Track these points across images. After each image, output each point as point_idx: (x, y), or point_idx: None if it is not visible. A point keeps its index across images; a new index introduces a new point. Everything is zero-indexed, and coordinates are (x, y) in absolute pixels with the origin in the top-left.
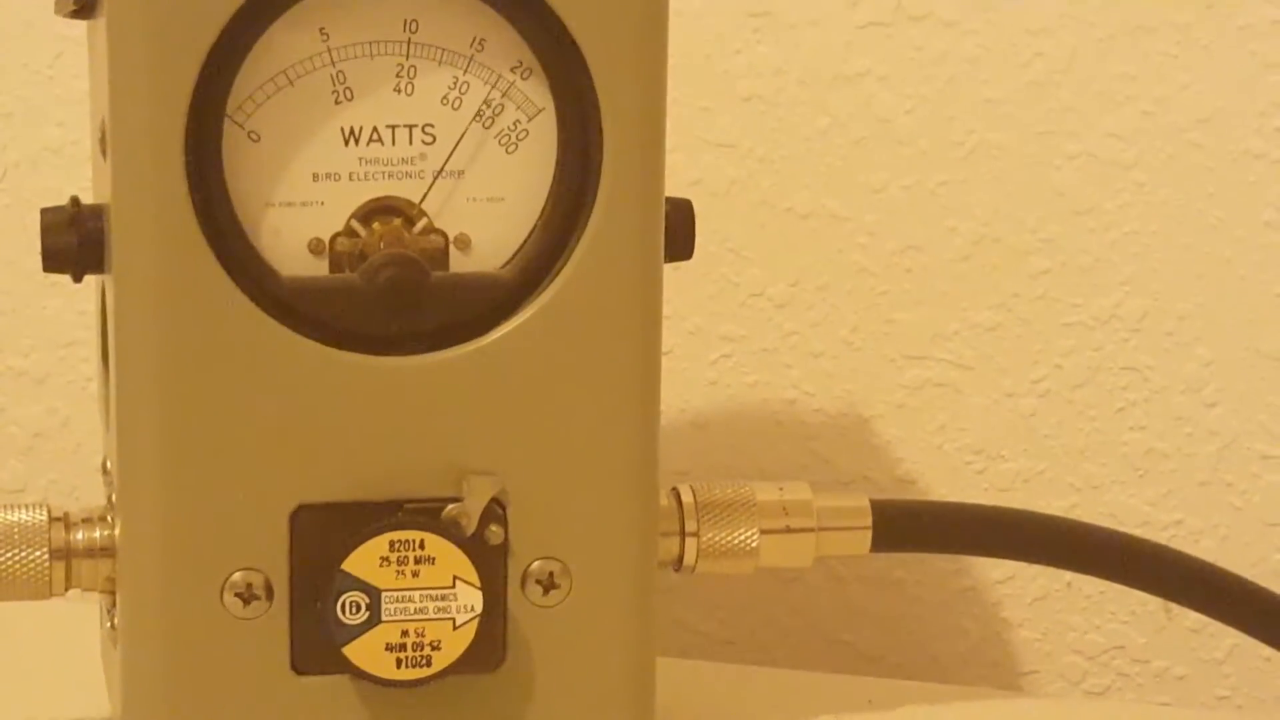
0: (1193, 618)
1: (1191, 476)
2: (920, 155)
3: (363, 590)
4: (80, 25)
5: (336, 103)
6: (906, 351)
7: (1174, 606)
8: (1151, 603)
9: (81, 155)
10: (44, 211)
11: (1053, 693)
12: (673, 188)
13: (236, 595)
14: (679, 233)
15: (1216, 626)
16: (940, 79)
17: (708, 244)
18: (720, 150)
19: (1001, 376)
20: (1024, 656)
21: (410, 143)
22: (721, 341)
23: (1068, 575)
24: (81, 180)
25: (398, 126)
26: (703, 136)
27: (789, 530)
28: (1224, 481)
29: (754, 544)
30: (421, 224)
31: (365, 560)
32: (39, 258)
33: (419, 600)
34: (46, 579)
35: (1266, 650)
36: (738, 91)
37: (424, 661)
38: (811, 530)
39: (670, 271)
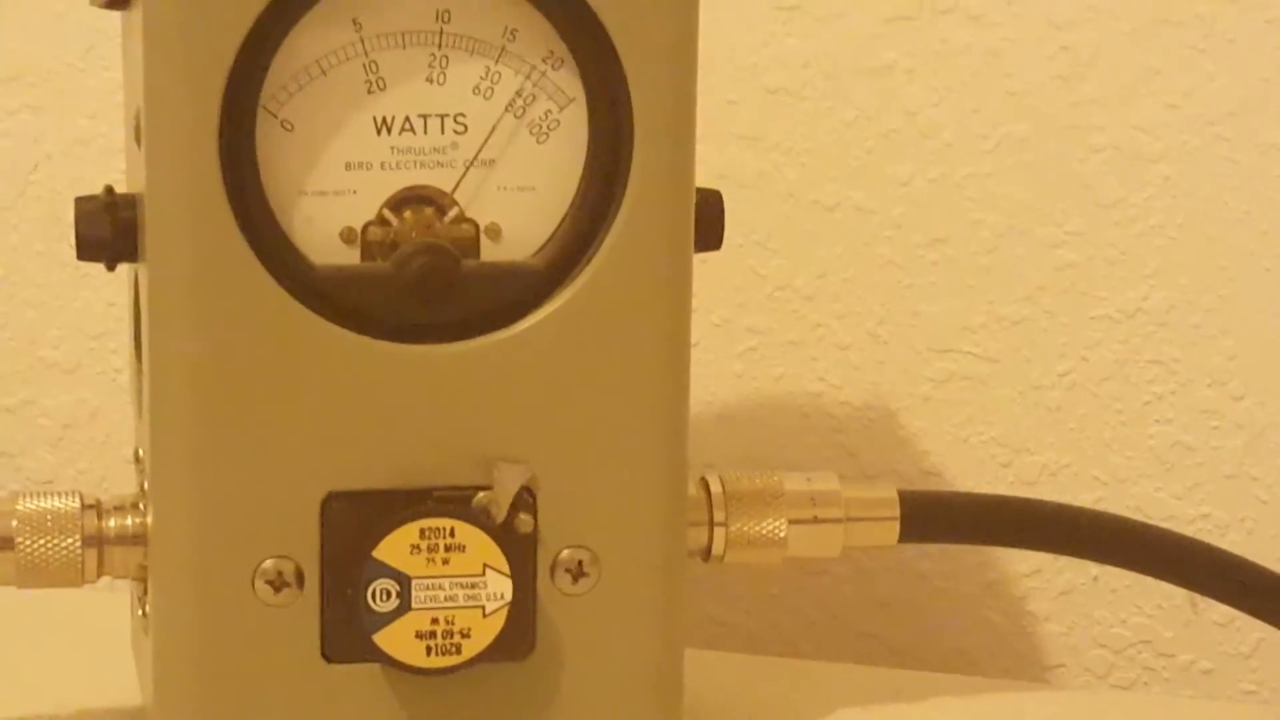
0: (1219, 612)
1: (1218, 469)
2: (946, 148)
3: (393, 578)
4: (112, 17)
5: (369, 92)
6: (933, 344)
7: (1200, 601)
8: (1178, 596)
9: (112, 148)
10: (78, 200)
11: (1079, 686)
12: (699, 180)
13: (267, 583)
14: (708, 223)
15: (1243, 621)
16: (966, 72)
17: (734, 236)
18: (747, 143)
19: (1028, 369)
20: (1050, 650)
21: (442, 132)
22: (748, 334)
23: (1094, 569)
24: (112, 173)
25: (430, 116)
26: (729, 129)
27: (817, 520)
28: (1250, 475)
29: (782, 534)
30: (453, 213)
31: (396, 548)
32: (70, 249)
33: (449, 588)
34: (79, 566)
35: None
36: (764, 84)
37: (454, 649)
38: (840, 520)
39: (697, 264)
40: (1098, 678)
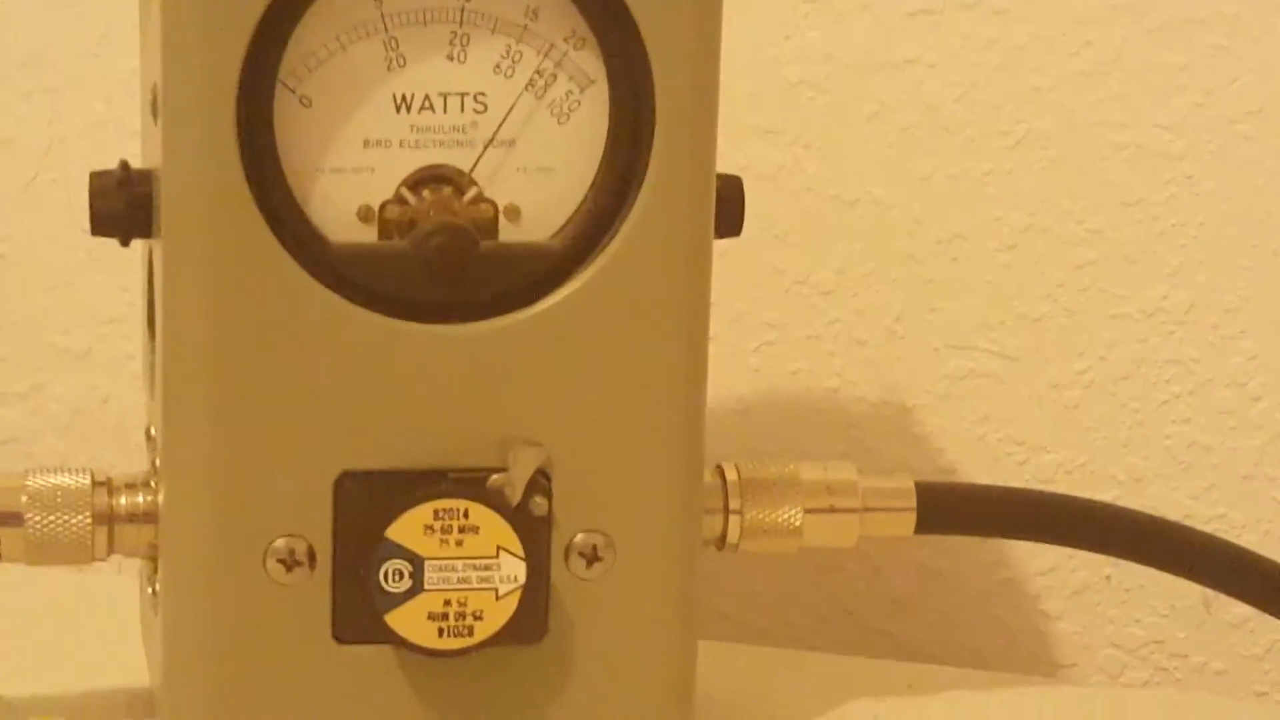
0: (1233, 613)
1: (1235, 470)
2: (968, 143)
3: (406, 558)
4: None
5: (389, 69)
6: (951, 341)
7: (1214, 601)
8: (1192, 597)
9: (127, 132)
10: (93, 175)
11: (1091, 685)
12: (718, 169)
13: (279, 561)
14: (729, 209)
15: (1257, 621)
16: (989, 67)
17: (752, 230)
18: (767, 136)
19: (1046, 367)
20: (1063, 649)
21: (462, 111)
22: (765, 328)
23: (1108, 568)
24: (128, 157)
25: (449, 94)
26: (749, 122)
27: (833, 510)
28: (1267, 476)
29: (797, 523)
30: (471, 193)
31: (409, 528)
32: (82, 234)
33: (462, 570)
34: (89, 543)
35: None
36: (785, 77)
37: (466, 631)
38: (855, 510)
39: (715, 258)
40: (1110, 677)
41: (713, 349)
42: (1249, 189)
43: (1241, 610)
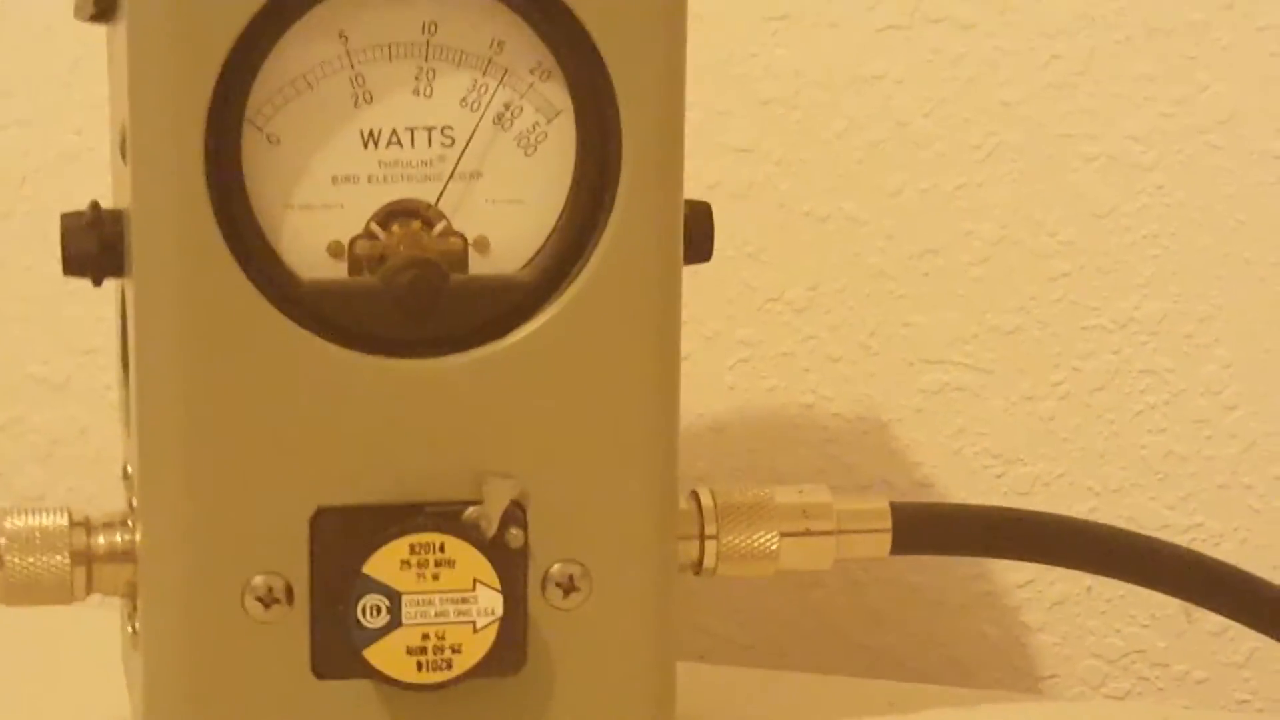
0: (1213, 621)
1: (1211, 479)
2: (938, 158)
3: (383, 593)
4: (99, 30)
5: (356, 105)
6: (924, 355)
7: (1194, 610)
8: (1171, 606)
9: (100, 162)
10: (64, 216)
11: (1073, 697)
12: (690, 191)
13: (257, 599)
14: (698, 235)
15: (1237, 630)
16: (958, 81)
17: (725, 248)
18: (738, 154)
19: (1020, 380)
20: (1044, 660)
21: (430, 145)
22: (739, 346)
23: (1087, 579)
24: (100, 187)
25: (417, 129)
26: (720, 140)
27: (809, 533)
28: (1244, 484)
29: (774, 546)
30: (440, 226)
31: (386, 563)
32: (58, 264)
33: (439, 603)
34: (68, 583)
35: None
36: (756, 94)
37: (445, 665)
38: (831, 533)
39: (688, 276)
40: (1092, 688)
41: (688, 368)
42: (1220, 198)
43: (1222, 619)
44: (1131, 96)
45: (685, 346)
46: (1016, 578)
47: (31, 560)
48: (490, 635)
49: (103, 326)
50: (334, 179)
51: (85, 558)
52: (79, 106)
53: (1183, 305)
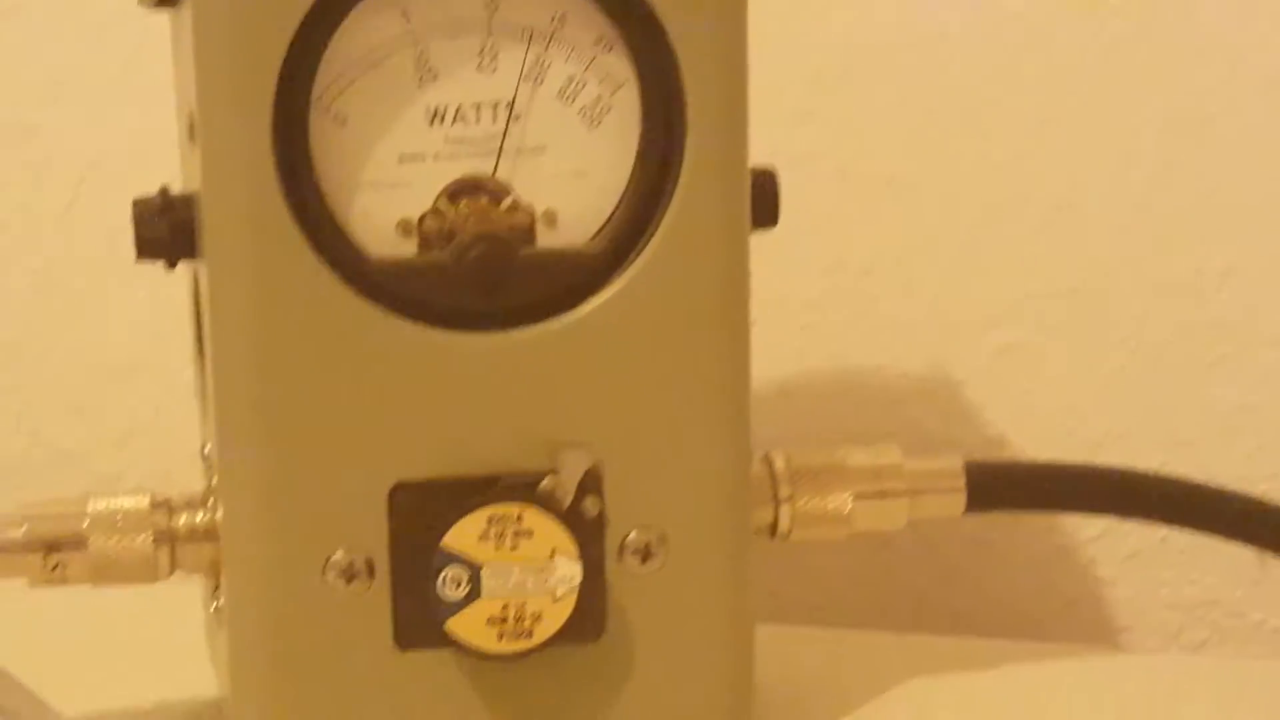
0: None
1: None
2: (1002, 119)
3: (463, 565)
4: (160, 20)
5: (420, 83)
6: (991, 314)
7: (1269, 560)
8: (1246, 555)
9: (161, 153)
10: (136, 202)
11: (1149, 649)
12: (752, 159)
13: (339, 574)
14: (764, 201)
15: None
16: (1019, 43)
17: (787, 214)
18: (797, 120)
19: (1087, 336)
20: (1118, 613)
21: (494, 120)
22: (805, 309)
23: (1161, 531)
24: (163, 177)
25: (481, 105)
26: (781, 107)
27: (882, 494)
28: None
29: (847, 509)
30: (508, 201)
31: (464, 535)
32: (124, 251)
33: (519, 573)
34: (151, 563)
35: None
36: (813, 61)
37: (525, 634)
38: (904, 493)
39: (752, 242)
40: (1168, 639)
41: (755, 333)
42: None
43: None
44: (1195, 52)
45: (752, 312)
46: (1089, 531)
47: (115, 541)
48: (569, 603)
49: (171, 310)
50: (401, 157)
51: (167, 538)
52: (139, 97)
53: (1250, 257)
